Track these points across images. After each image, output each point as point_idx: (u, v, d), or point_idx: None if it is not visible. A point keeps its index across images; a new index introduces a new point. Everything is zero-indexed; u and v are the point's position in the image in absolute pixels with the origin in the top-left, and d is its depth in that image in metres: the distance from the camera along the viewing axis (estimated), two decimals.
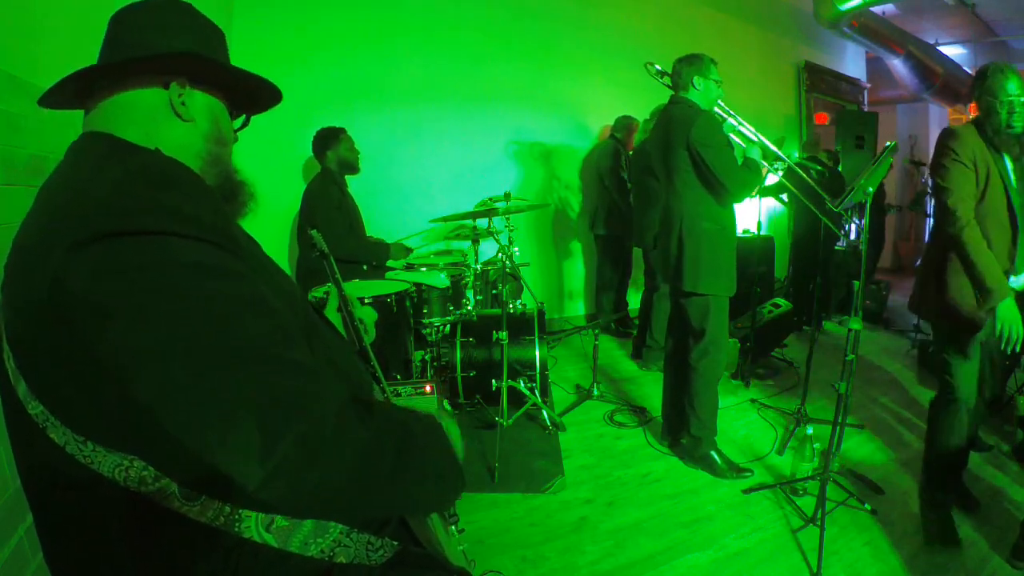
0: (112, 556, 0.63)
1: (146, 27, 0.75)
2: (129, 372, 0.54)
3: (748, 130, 2.37)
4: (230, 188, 0.82)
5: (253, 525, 0.62)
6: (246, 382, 0.56)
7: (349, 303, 1.05)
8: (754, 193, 3.94)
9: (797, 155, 4.68)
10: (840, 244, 4.55)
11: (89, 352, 0.55)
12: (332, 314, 1.06)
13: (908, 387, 3.47)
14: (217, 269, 0.60)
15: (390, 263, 3.15)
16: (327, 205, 2.94)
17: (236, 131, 0.88)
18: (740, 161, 2.25)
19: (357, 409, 0.65)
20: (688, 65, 2.27)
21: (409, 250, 3.30)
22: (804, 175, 2.44)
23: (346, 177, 3.11)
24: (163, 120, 0.74)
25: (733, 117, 2.35)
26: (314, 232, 1.09)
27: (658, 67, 2.45)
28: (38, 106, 0.77)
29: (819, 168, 4.04)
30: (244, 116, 0.89)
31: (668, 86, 2.40)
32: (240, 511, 0.62)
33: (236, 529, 0.62)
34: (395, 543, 0.76)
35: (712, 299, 2.31)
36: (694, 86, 2.26)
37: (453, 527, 1.07)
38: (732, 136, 2.34)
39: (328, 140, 3.02)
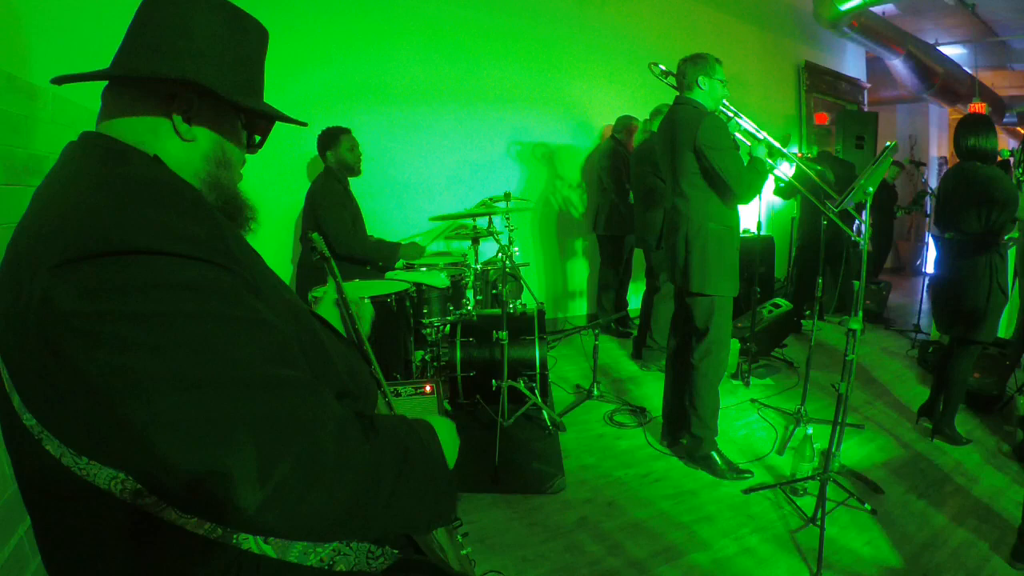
0: (109, 565, 0.62)
1: (168, 29, 0.70)
2: (119, 395, 0.53)
3: (753, 129, 2.36)
4: (230, 211, 0.78)
5: (251, 536, 0.61)
6: (241, 405, 0.55)
7: (346, 297, 1.04)
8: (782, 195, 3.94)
9: (804, 151, 4.64)
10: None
11: (78, 374, 0.53)
12: (330, 308, 1.05)
13: (908, 387, 3.47)
14: (210, 289, 0.58)
15: (400, 263, 3.13)
16: (332, 204, 2.93)
17: (252, 147, 0.83)
18: (746, 160, 2.25)
19: (359, 427, 0.64)
20: (693, 65, 2.27)
21: (422, 249, 3.27)
22: (811, 173, 2.43)
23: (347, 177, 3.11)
24: (164, 134, 0.71)
25: (739, 116, 2.34)
26: (314, 235, 1.08)
27: (662, 67, 2.44)
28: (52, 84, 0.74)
29: (819, 168, 4.03)
30: (259, 136, 0.84)
31: (673, 86, 2.40)
32: None
33: (234, 541, 0.61)
34: (395, 551, 0.75)
35: (717, 299, 2.31)
36: (699, 86, 2.26)
37: (457, 532, 1.07)
38: (737, 135, 2.34)
39: (329, 140, 3.01)
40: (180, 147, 0.72)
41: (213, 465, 0.53)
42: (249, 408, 0.55)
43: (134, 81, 0.71)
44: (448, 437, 0.79)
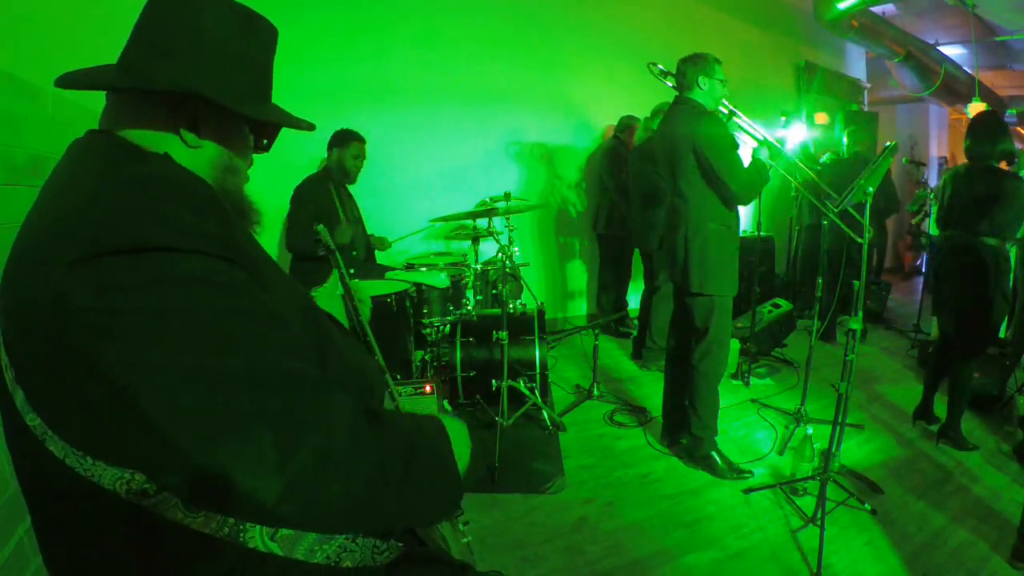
0: (112, 566, 0.62)
1: (175, 32, 0.69)
2: (134, 392, 0.53)
3: (752, 127, 2.36)
4: (237, 212, 0.78)
5: (258, 535, 0.61)
6: (257, 398, 0.56)
7: (350, 289, 1.05)
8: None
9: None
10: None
11: (91, 371, 0.54)
12: (327, 301, 1.05)
13: (908, 387, 3.47)
14: (224, 284, 0.59)
15: (339, 240, 3.17)
16: (299, 201, 2.92)
17: (260, 149, 0.83)
18: (753, 159, 2.25)
19: (369, 421, 0.65)
20: (693, 65, 2.26)
21: (388, 243, 3.37)
22: (812, 174, 2.43)
23: None
24: (170, 142, 0.71)
25: (738, 116, 2.34)
26: (319, 227, 1.07)
27: (660, 67, 2.44)
28: (56, 86, 0.73)
29: (817, 168, 4.02)
30: (267, 139, 0.84)
31: (672, 86, 2.40)
32: (244, 523, 0.61)
33: (241, 539, 0.61)
34: (400, 544, 0.75)
35: (716, 299, 2.31)
36: (699, 86, 2.26)
37: (459, 521, 1.07)
38: (739, 134, 2.33)
39: (341, 140, 3.00)
40: (186, 153, 0.71)
41: (232, 458, 0.54)
42: (266, 401, 0.57)
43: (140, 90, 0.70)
44: (459, 437, 0.80)
